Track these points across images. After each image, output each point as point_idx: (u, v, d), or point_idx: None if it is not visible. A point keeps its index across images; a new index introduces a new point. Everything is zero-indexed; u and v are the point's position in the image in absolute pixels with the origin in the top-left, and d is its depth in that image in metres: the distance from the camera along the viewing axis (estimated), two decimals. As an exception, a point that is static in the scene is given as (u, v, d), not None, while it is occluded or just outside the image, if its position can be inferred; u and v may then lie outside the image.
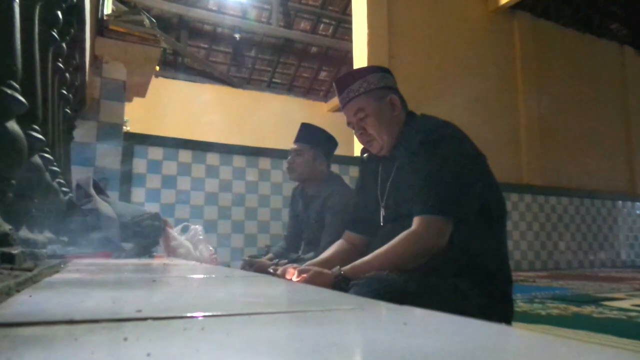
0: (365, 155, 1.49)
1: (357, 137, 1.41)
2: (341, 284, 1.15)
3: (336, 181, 2.24)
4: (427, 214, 1.17)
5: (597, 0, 7.01)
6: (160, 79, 6.95)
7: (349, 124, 1.41)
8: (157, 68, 3.67)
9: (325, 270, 1.22)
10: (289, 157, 2.23)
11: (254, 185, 3.81)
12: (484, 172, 1.28)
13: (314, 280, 1.17)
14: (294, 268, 1.28)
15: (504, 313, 1.23)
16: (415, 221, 1.19)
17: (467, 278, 1.16)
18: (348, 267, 1.20)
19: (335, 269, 1.21)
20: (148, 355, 0.29)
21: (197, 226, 2.93)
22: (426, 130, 1.28)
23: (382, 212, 1.38)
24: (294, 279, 1.21)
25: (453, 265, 1.16)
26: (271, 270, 1.50)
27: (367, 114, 1.35)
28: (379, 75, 1.38)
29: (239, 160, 3.80)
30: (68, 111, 1.69)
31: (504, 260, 1.29)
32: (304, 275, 1.19)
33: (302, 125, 2.28)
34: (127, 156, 3.31)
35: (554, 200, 5.57)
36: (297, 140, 2.23)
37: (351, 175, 4.10)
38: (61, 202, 1.41)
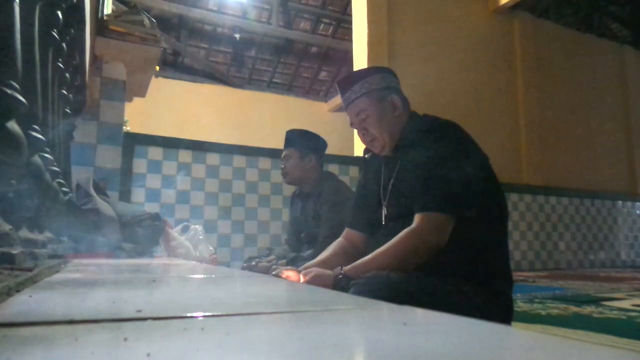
0: (367, 154, 1.50)
1: (360, 137, 1.42)
2: (342, 284, 1.15)
3: (330, 178, 2.32)
4: (428, 210, 1.18)
5: (597, 0, 7.00)
6: (160, 79, 6.94)
7: (352, 124, 1.43)
8: (157, 68, 3.66)
9: (327, 271, 1.22)
10: (281, 165, 2.34)
11: (254, 185, 3.81)
12: (486, 172, 1.28)
13: (315, 282, 1.17)
14: (292, 270, 1.29)
15: (503, 314, 1.23)
16: (416, 218, 1.19)
17: (467, 278, 1.16)
18: (349, 267, 1.20)
19: (336, 269, 1.21)
20: (148, 355, 0.29)
21: (197, 226, 2.93)
22: (429, 129, 1.29)
23: (384, 211, 1.38)
24: (294, 279, 1.21)
25: (453, 265, 1.16)
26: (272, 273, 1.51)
27: (369, 115, 1.36)
28: (380, 76, 1.39)
29: (239, 160, 3.80)
30: (68, 111, 1.69)
31: (504, 261, 1.29)
32: (305, 277, 1.20)
33: (286, 133, 2.38)
34: (127, 156, 3.31)
35: (554, 200, 5.57)
36: (285, 147, 2.35)
37: (351, 175, 4.09)
38: (61, 202, 1.41)
